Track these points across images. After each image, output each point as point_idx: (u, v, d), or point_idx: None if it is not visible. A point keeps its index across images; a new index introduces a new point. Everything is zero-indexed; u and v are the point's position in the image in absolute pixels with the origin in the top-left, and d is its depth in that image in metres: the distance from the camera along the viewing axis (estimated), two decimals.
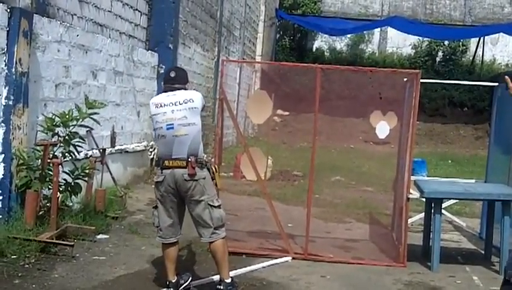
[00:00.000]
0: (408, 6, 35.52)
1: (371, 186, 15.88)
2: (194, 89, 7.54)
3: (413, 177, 9.65)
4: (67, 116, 8.96)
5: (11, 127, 8.18)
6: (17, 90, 8.26)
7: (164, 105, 6.64)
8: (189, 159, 6.51)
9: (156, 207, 6.86)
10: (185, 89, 6.85)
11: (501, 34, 31.01)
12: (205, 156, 6.84)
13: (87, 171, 9.44)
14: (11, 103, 8.18)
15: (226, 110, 8.97)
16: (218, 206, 6.76)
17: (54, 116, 8.92)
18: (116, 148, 11.98)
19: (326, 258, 8.69)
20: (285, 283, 7.64)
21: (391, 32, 33.95)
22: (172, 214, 6.75)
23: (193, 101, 6.64)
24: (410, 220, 9.71)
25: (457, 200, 12.38)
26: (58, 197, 8.39)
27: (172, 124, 6.54)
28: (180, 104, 6.60)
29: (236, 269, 7.76)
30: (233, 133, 19.59)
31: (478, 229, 10.95)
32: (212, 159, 8.64)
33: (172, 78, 6.84)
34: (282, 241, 8.93)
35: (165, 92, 6.83)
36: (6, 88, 8.16)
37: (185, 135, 6.53)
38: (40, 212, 8.38)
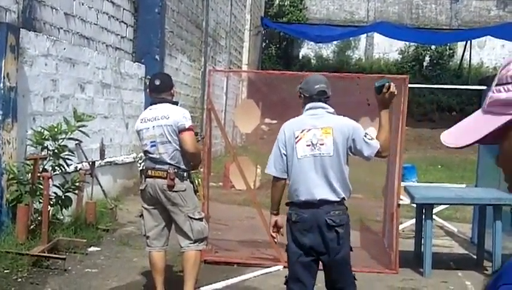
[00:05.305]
0: (394, 11, 35.62)
1: (360, 193, 15.79)
2: (178, 103, 7.28)
3: (403, 183, 9.68)
4: (56, 130, 8.97)
5: (0, 141, 8.18)
6: (6, 105, 8.25)
7: (147, 120, 6.63)
8: (168, 171, 6.50)
9: (141, 215, 6.84)
10: (172, 95, 6.79)
11: (488, 37, 31.09)
12: None
13: (77, 184, 9.45)
14: (0, 117, 8.18)
15: (213, 120, 8.98)
16: (200, 219, 6.71)
17: (42, 130, 8.92)
18: (105, 160, 11.96)
19: None
20: None
21: (377, 38, 34.03)
22: (158, 220, 6.70)
23: (168, 117, 6.53)
24: (401, 226, 9.73)
25: (448, 206, 12.42)
26: (49, 211, 8.38)
27: (155, 141, 6.54)
28: (158, 119, 6.55)
29: (228, 279, 7.77)
30: (221, 142, 19.54)
31: (470, 234, 10.95)
32: (201, 170, 8.64)
33: (157, 87, 6.71)
34: (274, 250, 8.93)
35: (152, 103, 6.80)
36: None
37: (164, 152, 6.53)
38: (32, 226, 8.37)
